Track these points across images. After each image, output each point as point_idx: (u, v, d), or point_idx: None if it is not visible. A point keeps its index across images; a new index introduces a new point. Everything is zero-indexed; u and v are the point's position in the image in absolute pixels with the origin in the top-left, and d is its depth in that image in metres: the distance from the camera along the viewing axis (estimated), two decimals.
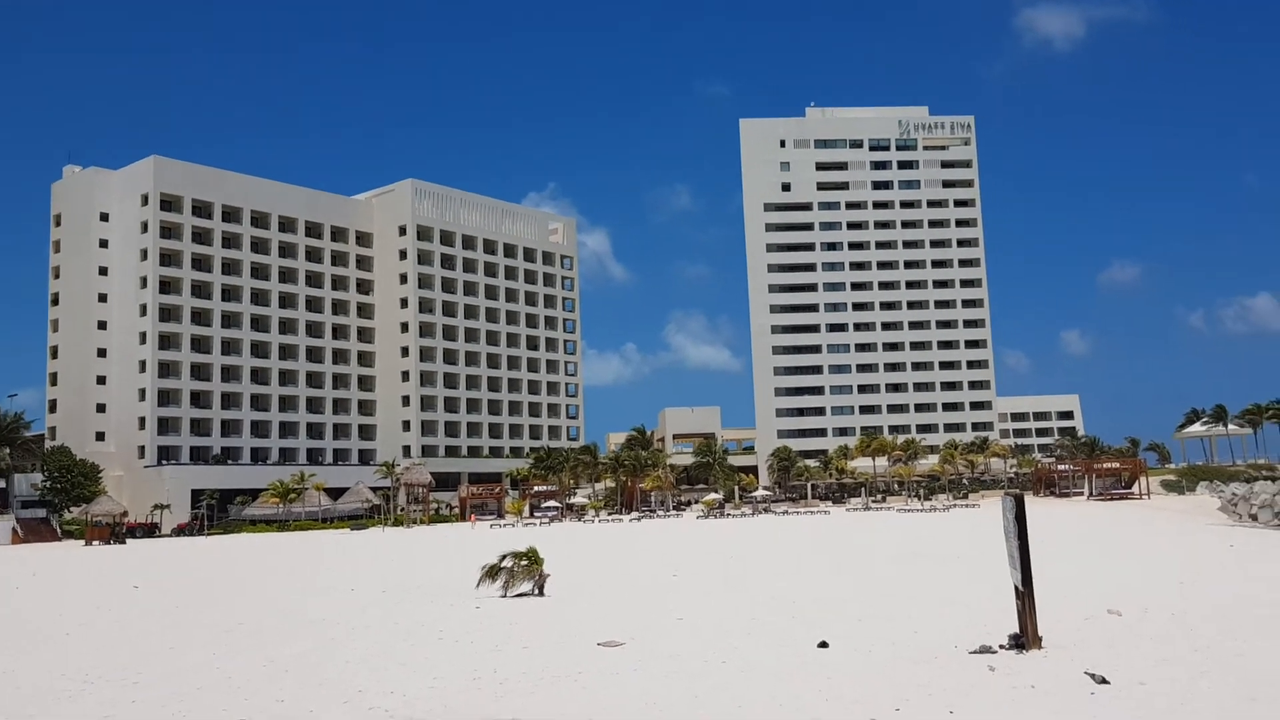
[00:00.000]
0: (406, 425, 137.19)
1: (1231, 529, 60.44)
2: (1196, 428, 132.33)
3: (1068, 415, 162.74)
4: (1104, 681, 12.91)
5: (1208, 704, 11.63)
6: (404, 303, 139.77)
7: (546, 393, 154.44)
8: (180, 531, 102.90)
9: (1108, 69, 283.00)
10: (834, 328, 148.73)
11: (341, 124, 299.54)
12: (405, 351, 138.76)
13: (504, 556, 27.78)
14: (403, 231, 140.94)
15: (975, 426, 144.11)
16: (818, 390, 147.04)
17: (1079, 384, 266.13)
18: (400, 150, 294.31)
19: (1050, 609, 18.96)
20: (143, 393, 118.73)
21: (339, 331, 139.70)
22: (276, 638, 21.09)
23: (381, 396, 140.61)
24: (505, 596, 26.85)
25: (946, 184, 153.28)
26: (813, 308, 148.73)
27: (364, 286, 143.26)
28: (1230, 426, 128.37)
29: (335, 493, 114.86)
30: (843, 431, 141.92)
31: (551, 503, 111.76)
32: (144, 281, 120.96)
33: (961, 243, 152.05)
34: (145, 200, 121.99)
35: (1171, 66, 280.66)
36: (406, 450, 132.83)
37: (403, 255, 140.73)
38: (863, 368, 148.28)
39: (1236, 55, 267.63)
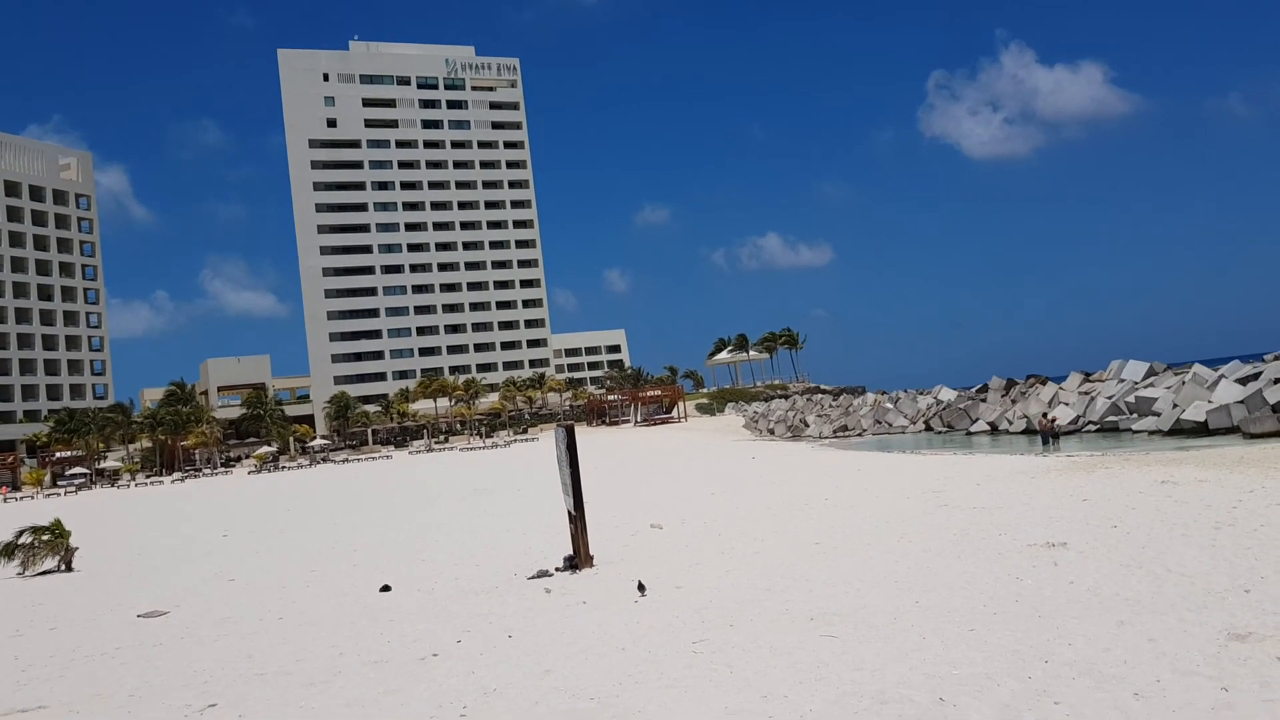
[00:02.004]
0: None
1: (754, 442, 68.33)
2: (723, 355, 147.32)
3: (615, 349, 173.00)
4: (644, 589, 13.98)
5: (730, 599, 12.98)
6: None
7: (66, 348, 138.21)
8: None
9: (632, 23, 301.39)
10: (389, 269, 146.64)
11: None
12: None
13: (21, 532, 25.10)
14: None
15: (532, 363, 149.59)
16: (375, 334, 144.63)
17: (623, 319, 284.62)
18: None
19: (602, 529, 20.24)
20: None
21: None
22: None
23: None
24: (25, 575, 24.06)
25: (496, 125, 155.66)
26: (366, 249, 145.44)
27: None
28: (751, 353, 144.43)
29: None
30: (403, 374, 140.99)
31: (78, 469, 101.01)
32: None
33: (513, 184, 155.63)
34: None
35: (690, 27, 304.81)
36: None
37: None
38: (421, 309, 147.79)
39: (743, 19, 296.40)
